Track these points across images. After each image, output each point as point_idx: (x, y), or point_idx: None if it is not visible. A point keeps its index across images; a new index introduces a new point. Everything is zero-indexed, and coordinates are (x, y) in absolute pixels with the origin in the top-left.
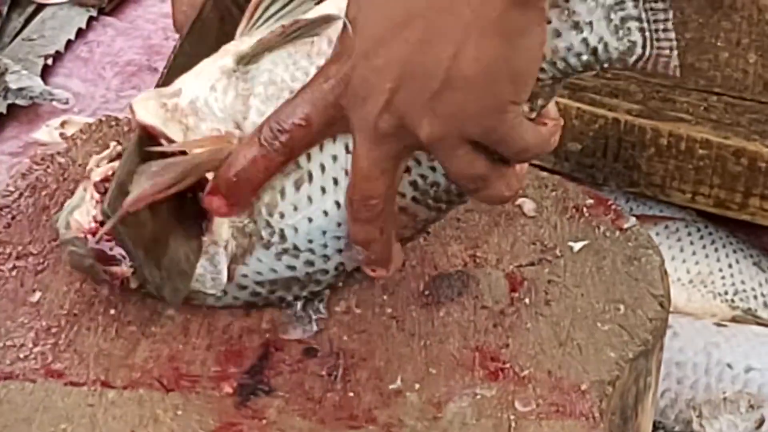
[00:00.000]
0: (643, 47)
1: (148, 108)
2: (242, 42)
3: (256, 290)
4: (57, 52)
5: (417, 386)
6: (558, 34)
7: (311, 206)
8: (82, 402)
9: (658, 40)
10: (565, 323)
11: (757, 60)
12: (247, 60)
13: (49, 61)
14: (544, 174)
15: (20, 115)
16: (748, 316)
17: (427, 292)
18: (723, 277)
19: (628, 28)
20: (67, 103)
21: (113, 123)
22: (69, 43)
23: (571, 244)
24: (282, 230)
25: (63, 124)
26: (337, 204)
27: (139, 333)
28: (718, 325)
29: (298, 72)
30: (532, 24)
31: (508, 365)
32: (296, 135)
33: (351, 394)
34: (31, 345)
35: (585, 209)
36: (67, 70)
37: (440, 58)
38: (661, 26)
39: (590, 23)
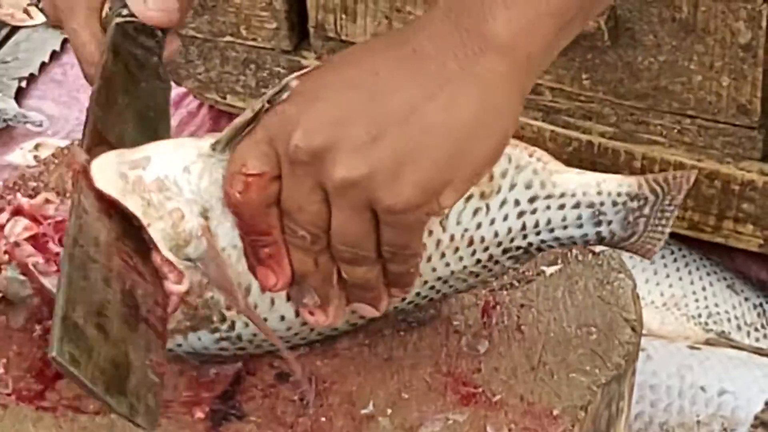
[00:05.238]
0: (640, 235)
1: (106, 176)
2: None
3: (179, 354)
4: (31, 74)
5: (389, 411)
6: (580, 225)
7: (271, 309)
8: (54, 427)
9: (654, 231)
10: (538, 348)
11: (730, 83)
12: (222, 146)
13: (23, 84)
14: None
15: None
16: (722, 339)
17: (399, 317)
18: (696, 300)
19: (637, 223)
20: (41, 125)
21: None
22: (43, 66)
23: (543, 268)
24: (234, 322)
25: (37, 146)
26: (296, 313)
27: None
28: (692, 347)
29: None
30: (513, 100)
31: (480, 390)
32: (253, 187)
33: (323, 419)
34: (2, 370)
35: None
36: (41, 92)
37: (403, 101)
38: (663, 222)
39: (610, 221)
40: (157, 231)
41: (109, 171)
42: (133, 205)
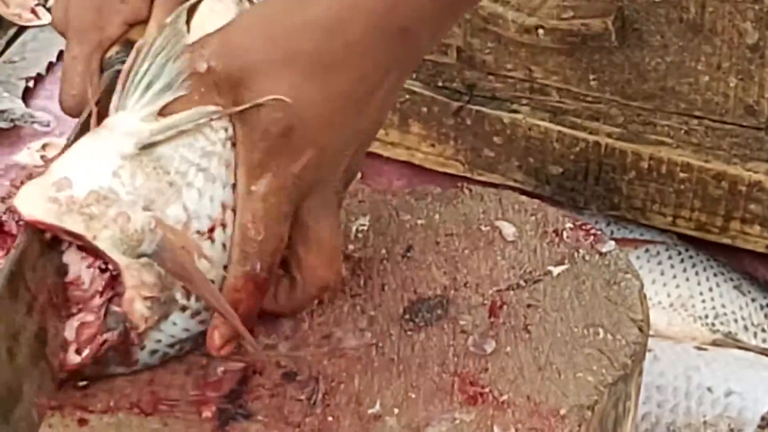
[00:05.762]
0: None
1: (36, 205)
2: (122, 117)
3: (166, 352)
4: (38, 74)
5: (396, 411)
6: None
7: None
8: (61, 425)
9: None
10: (545, 348)
11: (737, 84)
12: (150, 146)
13: (31, 84)
14: (524, 198)
15: (1, 137)
16: (729, 340)
17: (406, 317)
18: (704, 301)
19: None
20: (48, 125)
21: None
22: (50, 66)
23: (550, 268)
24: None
25: (44, 146)
26: None
27: None
28: (699, 348)
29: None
30: None
31: (487, 390)
32: (275, 257)
33: (330, 418)
34: None
35: (564, 233)
36: (48, 92)
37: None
38: None
39: None
40: (104, 240)
41: (37, 199)
42: (72, 223)
